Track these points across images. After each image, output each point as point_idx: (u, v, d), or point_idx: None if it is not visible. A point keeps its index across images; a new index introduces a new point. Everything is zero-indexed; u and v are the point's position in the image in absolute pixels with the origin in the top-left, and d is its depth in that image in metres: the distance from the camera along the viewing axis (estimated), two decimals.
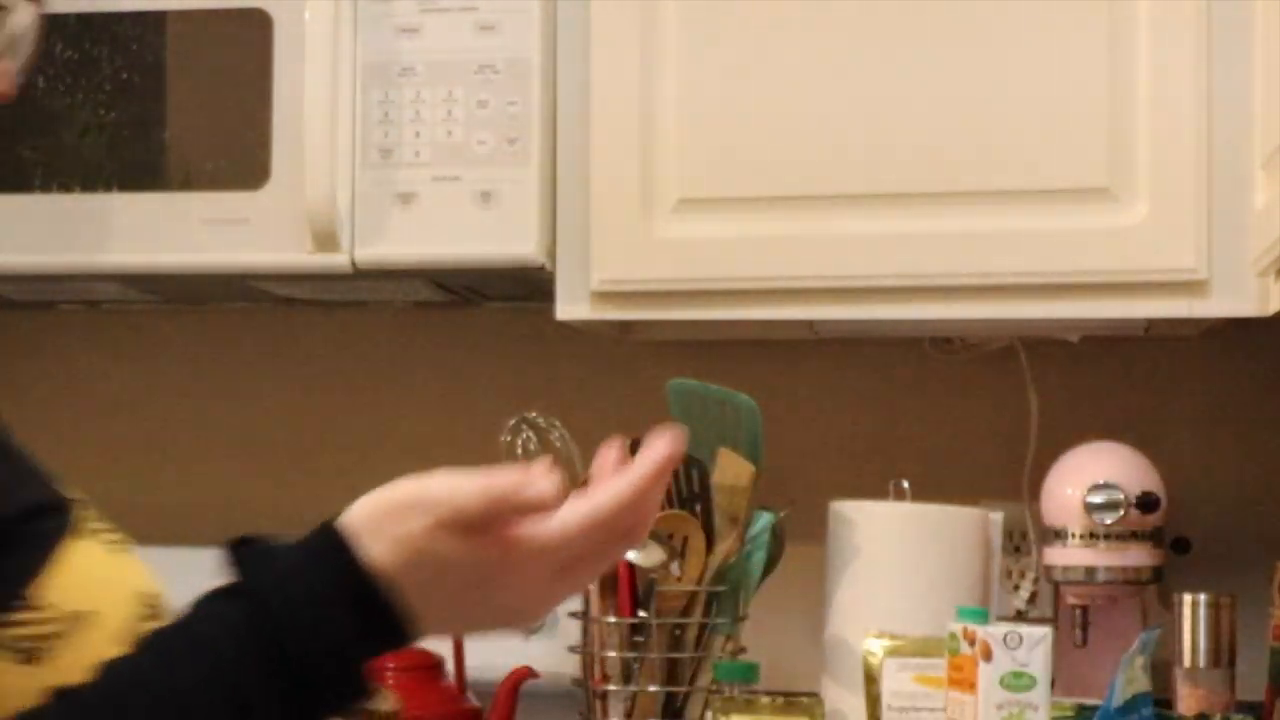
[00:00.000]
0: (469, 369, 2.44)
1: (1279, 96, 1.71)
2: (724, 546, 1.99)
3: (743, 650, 2.02)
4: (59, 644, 0.92)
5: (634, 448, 2.08)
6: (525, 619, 1.00)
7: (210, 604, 0.93)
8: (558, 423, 2.14)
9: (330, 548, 0.93)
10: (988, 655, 1.70)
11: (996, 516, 2.08)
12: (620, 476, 0.98)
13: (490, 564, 0.95)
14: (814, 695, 1.96)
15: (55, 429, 2.26)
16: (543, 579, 0.97)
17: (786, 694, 1.92)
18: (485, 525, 0.95)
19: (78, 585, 0.94)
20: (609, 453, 1.01)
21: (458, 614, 0.97)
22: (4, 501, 0.92)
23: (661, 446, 0.98)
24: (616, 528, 0.97)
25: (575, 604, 1.99)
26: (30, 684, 0.90)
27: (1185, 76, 1.90)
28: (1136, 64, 1.91)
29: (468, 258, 2.04)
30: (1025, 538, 2.25)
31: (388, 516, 0.95)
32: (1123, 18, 1.92)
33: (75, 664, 0.91)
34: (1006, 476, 2.26)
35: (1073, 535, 2.05)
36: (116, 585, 0.97)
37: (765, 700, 1.89)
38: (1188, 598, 1.97)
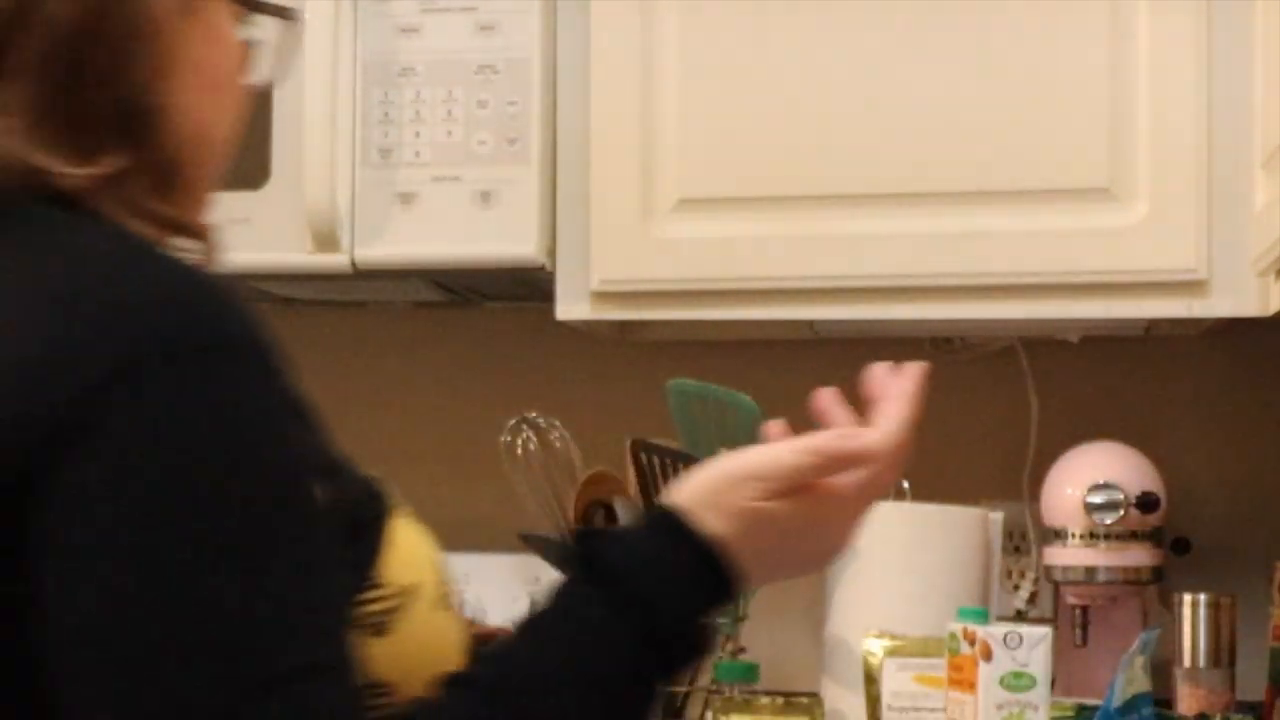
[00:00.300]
0: (469, 369, 2.44)
1: (1279, 96, 1.71)
2: None
3: (743, 650, 2.02)
4: (398, 616, 1.00)
5: (634, 448, 2.09)
6: (836, 556, 1.11)
7: (575, 592, 1.01)
8: (558, 423, 2.14)
9: (674, 528, 1.03)
10: (988, 655, 1.70)
11: (996, 516, 2.08)
12: (899, 398, 1.13)
13: (813, 516, 1.06)
14: (814, 695, 1.96)
15: None
16: (852, 514, 1.09)
17: (786, 694, 1.92)
18: (808, 483, 1.06)
19: (402, 561, 1.01)
20: (878, 370, 1.15)
21: (781, 566, 1.08)
22: (347, 491, 0.98)
23: (913, 369, 1.14)
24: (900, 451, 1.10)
25: None
26: (378, 654, 0.97)
27: (1185, 76, 1.90)
28: (1136, 64, 1.91)
29: (468, 258, 2.04)
30: (1025, 538, 2.25)
31: (719, 491, 1.05)
32: (1123, 18, 1.92)
33: (409, 634, 0.99)
34: (1006, 476, 2.26)
35: (1073, 535, 2.05)
36: (424, 557, 1.04)
37: (765, 700, 1.89)
38: (1188, 598, 1.97)
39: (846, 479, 1.09)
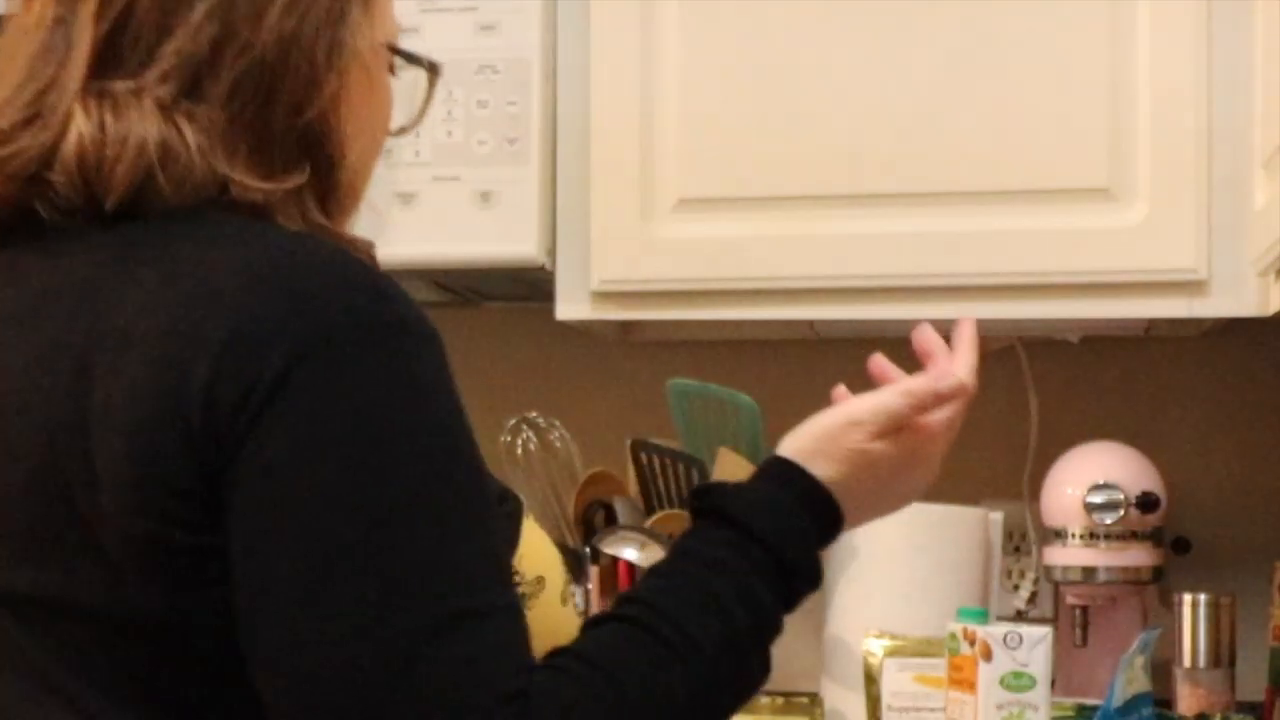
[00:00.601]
0: (469, 369, 2.43)
1: (1279, 96, 1.71)
2: None
3: None
4: (531, 603, 1.12)
5: (634, 448, 2.09)
6: (924, 488, 1.22)
7: (708, 534, 1.10)
8: (558, 423, 2.14)
9: (791, 476, 1.13)
10: (988, 655, 1.70)
11: (996, 516, 2.08)
12: (964, 344, 1.25)
13: (911, 454, 1.17)
14: (814, 695, 1.96)
15: None
16: (940, 448, 1.20)
17: (786, 694, 1.92)
18: (908, 423, 1.17)
19: (532, 555, 1.16)
20: (926, 327, 1.27)
21: (883, 501, 1.19)
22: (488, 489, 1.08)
23: (966, 320, 1.26)
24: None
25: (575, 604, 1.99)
26: None
27: (1185, 77, 1.90)
28: (1136, 64, 1.91)
29: (468, 258, 2.04)
30: (1025, 538, 2.25)
31: (828, 439, 1.16)
32: (1123, 18, 1.92)
33: (538, 622, 1.04)
34: (1006, 476, 2.26)
35: (1073, 535, 2.05)
36: (551, 555, 1.18)
37: (765, 700, 1.89)
38: (1188, 598, 1.97)
39: (936, 417, 1.19)
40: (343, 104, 1.11)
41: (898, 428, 1.17)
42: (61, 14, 1.06)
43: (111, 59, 1.05)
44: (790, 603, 1.11)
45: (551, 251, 2.04)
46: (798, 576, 1.11)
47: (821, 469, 1.14)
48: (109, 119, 1.03)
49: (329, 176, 1.12)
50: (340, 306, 0.99)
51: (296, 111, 1.08)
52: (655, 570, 1.09)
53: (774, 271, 1.99)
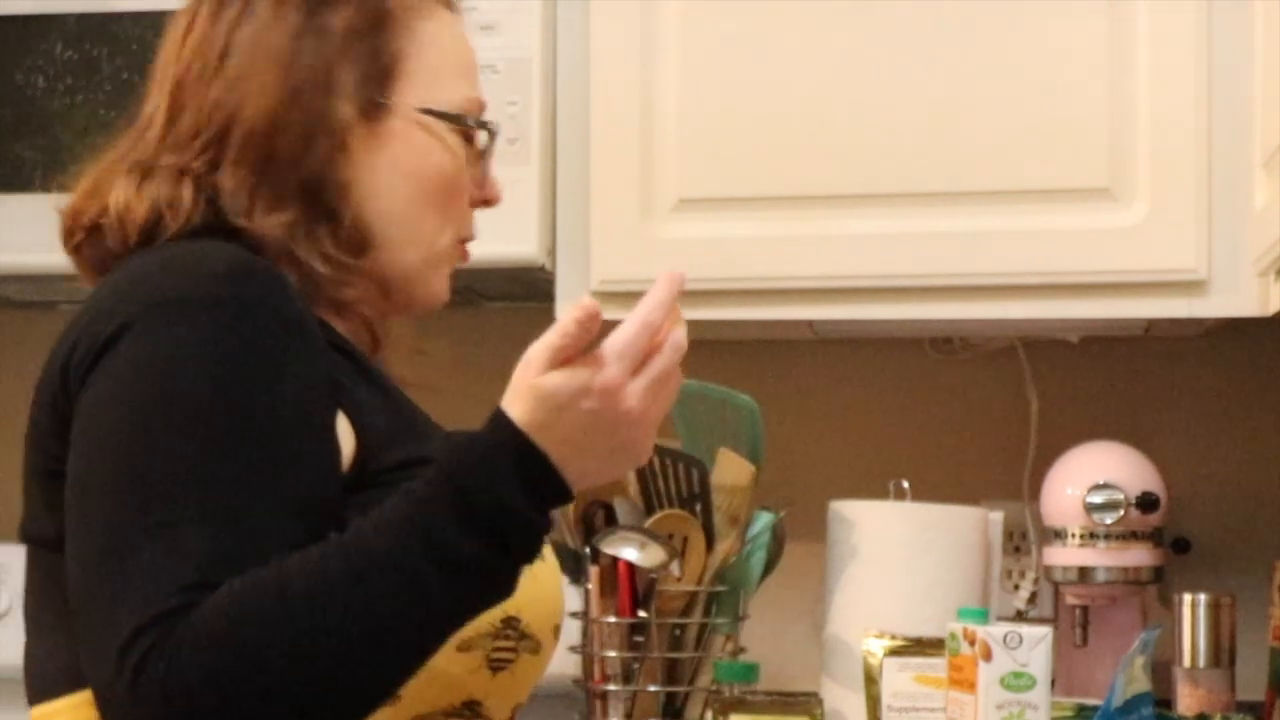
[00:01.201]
0: (469, 369, 2.43)
1: (1279, 96, 1.71)
2: (724, 546, 1.99)
3: (742, 650, 2.02)
4: None
5: None
6: (637, 453, 1.24)
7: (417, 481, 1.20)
8: None
9: (489, 419, 1.20)
10: (988, 655, 1.70)
11: (996, 516, 2.08)
12: (648, 299, 1.22)
13: (591, 390, 1.19)
14: (813, 695, 1.96)
15: None
16: (629, 401, 1.21)
17: (786, 694, 1.92)
18: (573, 353, 1.20)
19: None
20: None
21: (586, 449, 1.20)
22: (387, 454, 1.26)
23: (664, 278, 1.24)
24: (653, 345, 1.22)
25: (575, 604, 1.99)
26: None
27: (1185, 76, 1.90)
28: (1136, 64, 1.92)
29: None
30: (1025, 538, 2.25)
31: (514, 381, 1.22)
32: (1122, 18, 1.92)
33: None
34: (1006, 476, 2.26)
35: (1072, 535, 2.05)
36: None
37: (765, 700, 1.89)
38: (1188, 598, 1.97)
39: (617, 343, 1.21)
40: (342, 159, 1.33)
41: (562, 358, 1.20)
42: (153, 107, 1.37)
43: (168, 139, 1.35)
44: (483, 532, 1.16)
45: (551, 251, 2.04)
46: (480, 505, 1.16)
47: (511, 410, 1.20)
48: (139, 187, 1.32)
49: (335, 218, 1.34)
50: (174, 283, 1.23)
51: (293, 169, 1.32)
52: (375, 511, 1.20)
53: (774, 271, 1.99)
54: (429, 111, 1.37)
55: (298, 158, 1.32)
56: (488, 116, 1.41)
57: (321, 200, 1.33)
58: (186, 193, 1.31)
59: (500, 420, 1.19)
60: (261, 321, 1.22)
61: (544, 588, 1.33)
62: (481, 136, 1.40)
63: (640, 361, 1.22)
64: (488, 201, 1.43)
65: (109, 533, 1.17)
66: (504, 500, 1.16)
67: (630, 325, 1.21)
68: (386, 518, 1.16)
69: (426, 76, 1.37)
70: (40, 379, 1.29)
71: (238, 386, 1.20)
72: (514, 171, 2.01)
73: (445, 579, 1.15)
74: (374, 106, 1.35)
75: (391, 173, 1.36)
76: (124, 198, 1.32)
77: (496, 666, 1.28)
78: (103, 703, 1.16)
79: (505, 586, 1.19)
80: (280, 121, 1.32)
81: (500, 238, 2.00)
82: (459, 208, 1.41)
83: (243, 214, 1.31)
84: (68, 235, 1.36)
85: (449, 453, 1.18)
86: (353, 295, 1.34)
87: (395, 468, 1.27)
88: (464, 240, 1.43)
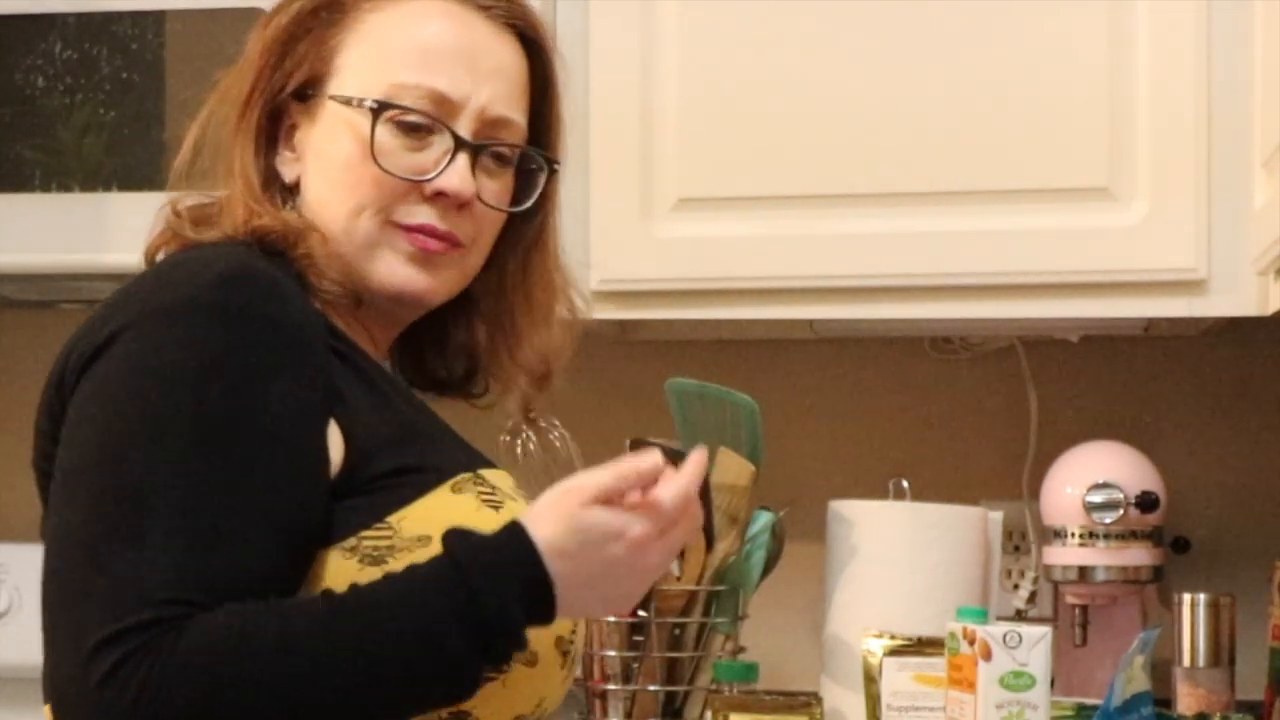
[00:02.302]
0: None
1: (1279, 96, 1.71)
2: (724, 546, 1.99)
3: (742, 650, 2.02)
4: (399, 555, 1.25)
5: (634, 448, 2.08)
6: (633, 595, 1.28)
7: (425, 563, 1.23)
8: (557, 423, 2.14)
9: (511, 527, 1.23)
10: (987, 655, 1.70)
11: (996, 516, 2.08)
12: (685, 470, 1.29)
13: (623, 537, 1.24)
14: (813, 695, 1.96)
15: None
16: (649, 557, 1.26)
17: (786, 693, 1.92)
18: (618, 497, 1.25)
19: (431, 520, 1.26)
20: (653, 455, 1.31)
21: (591, 587, 1.24)
22: (378, 462, 1.27)
23: (697, 455, 1.31)
24: (686, 513, 1.28)
25: None
26: (368, 580, 1.22)
27: (1185, 76, 1.90)
28: (1136, 64, 1.92)
29: None
30: (1025, 537, 2.25)
31: (551, 502, 1.25)
32: (1123, 17, 1.92)
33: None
34: (1006, 476, 2.26)
35: (1072, 535, 2.05)
36: (466, 524, 1.25)
37: (765, 699, 1.89)
38: (1187, 597, 1.97)
39: (648, 527, 1.26)
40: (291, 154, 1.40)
41: (607, 498, 1.25)
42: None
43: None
44: (477, 634, 1.20)
45: None
46: (491, 623, 1.20)
47: (540, 528, 1.23)
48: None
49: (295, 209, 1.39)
50: (168, 290, 1.25)
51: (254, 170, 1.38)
52: (378, 580, 1.23)
53: (774, 271, 1.99)
54: (334, 98, 1.37)
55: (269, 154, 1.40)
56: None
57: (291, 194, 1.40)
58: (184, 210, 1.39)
59: (522, 535, 1.22)
60: (251, 329, 1.22)
61: None
62: (412, 119, 1.37)
63: (670, 525, 1.27)
64: (440, 192, 1.38)
65: (82, 536, 1.18)
66: (506, 613, 1.20)
67: (672, 490, 1.26)
68: (395, 596, 1.20)
69: (355, 66, 1.38)
70: (45, 383, 1.30)
71: (221, 397, 1.20)
72: None
73: (432, 665, 1.19)
74: (305, 99, 1.39)
75: (314, 160, 1.39)
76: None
77: (486, 678, 1.28)
78: (60, 701, 1.18)
79: (469, 686, 1.22)
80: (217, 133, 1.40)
81: None
82: (373, 191, 1.37)
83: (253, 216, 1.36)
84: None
85: (467, 551, 1.21)
86: (327, 285, 1.34)
87: (384, 475, 1.28)
88: (405, 226, 1.37)
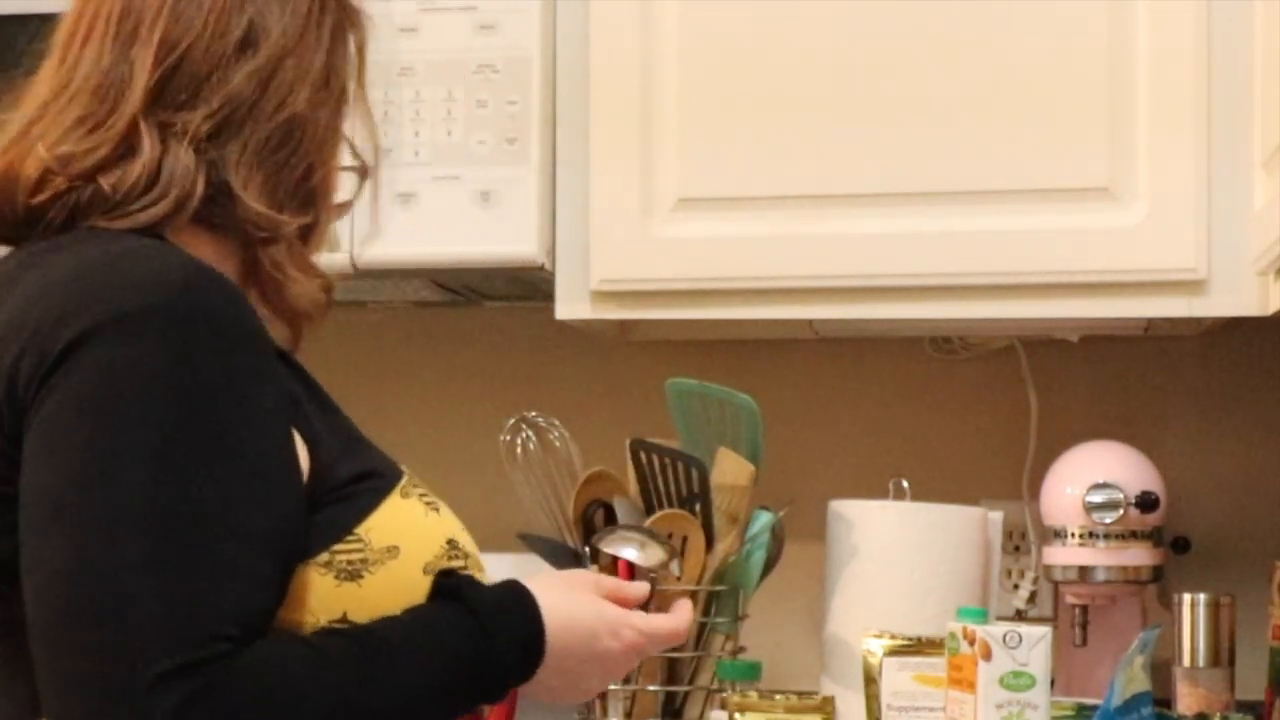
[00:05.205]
0: (469, 369, 2.44)
1: (1279, 96, 1.71)
2: (724, 546, 1.99)
3: (742, 649, 2.02)
4: (374, 569, 1.25)
5: (634, 448, 2.08)
6: (588, 695, 1.41)
7: (443, 606, 1.28)
8: (557, 422, 2.14)
9: (519, 588, 1.32)
10: (987, 655, 1.70)
11: (996, 516, 2.08)
12: (682, 611, 1.45)
13: (622, 636, 1.36)
14: (826, 696, 1.96)
15: None
16: (627, 670, 1.42)
17: (800, 693, 1.93)
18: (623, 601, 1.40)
19: (394, 528, 1.27)
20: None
21: (569, 670, 1.33)
22: (337, 471, 1.26)
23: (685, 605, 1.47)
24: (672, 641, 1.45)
25: None
26: (348, 596, 1.23)
27: (1185, 76, 1.90)
28: (1136, 63, 1.92)
29: (468, 258, 2.04)
30: (1025, 537, 2.25)
31: (566, 578, 1.41)
32: (1123, 17, 1.92)
33: (383, 584, 1.25)
34: (1006, 476, 2.26)
35: (1072, 535, 2.05)
36: (424, 530, 1.29)
37: (778, 698, 1.89)
38: (1187, 597, 1.97)
39: (632, 636, 1.38)
40: (325, 157, 1.36)
41: (614, 598, 1.39)
42: (118, 57, 1.29)
43: (161, 96, 1.28)
44: (494, 680, 1.29)
45: (551, 251, 2.04)
46: (504, 664, 1.29)
47: (548, 597, 1.32)
48: (165, 150, 1.26)
49: (319, 223, 1.37)
50: (132, 294, 1.17)
51: (309, 172, 1.33)
52: (403, 616, 1.26)
53: (774, 271, 1.99)
54: None
55: (316, 162, 1.34)
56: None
57: (319, 207, 1.36)
58: (201, 168, 1.27)
59: (530, 603, 1.31)
60: (226, 337, 1.18)
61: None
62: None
63: (658, 645, 1.42)
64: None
65: (99, 565, 1.12)
66: (510, 660, 1.29)
67: (675, 623, 1.43)
68: (429, 652, 1.24)
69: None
70: None
71: (210, 411, 1.15)
72: (514, 171, 2.01)
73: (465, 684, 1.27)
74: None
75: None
76: (172, 161, 1.26)
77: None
78: None
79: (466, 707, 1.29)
80: (314, 121, 1.33)
81: (500, 238, 2.01)
82: None
83: (254, 198, 1.29)
84: (39, 185, 1.26)
85: (492, 619, 1.28)
86: (299, 292, 1.34)
87: (343, 484, 1.26)
88: None
